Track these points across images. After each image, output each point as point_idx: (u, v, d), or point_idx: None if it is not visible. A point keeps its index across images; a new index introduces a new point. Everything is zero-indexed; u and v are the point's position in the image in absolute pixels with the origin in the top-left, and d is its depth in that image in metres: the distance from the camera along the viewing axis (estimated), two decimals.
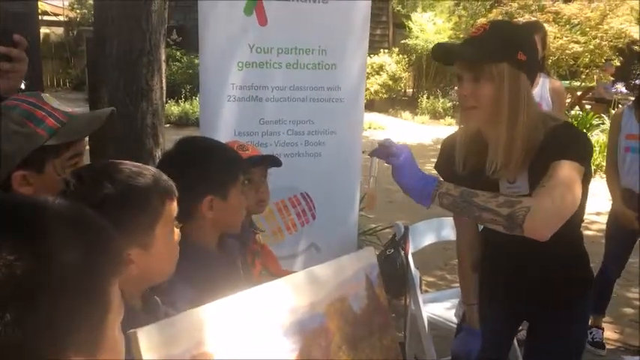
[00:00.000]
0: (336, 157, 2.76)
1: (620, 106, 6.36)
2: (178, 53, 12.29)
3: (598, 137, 7.91)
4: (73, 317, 0.54)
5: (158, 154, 3.20)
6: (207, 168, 1.39)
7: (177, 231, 1.08)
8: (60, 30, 16.90)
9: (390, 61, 12.68)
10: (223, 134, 2.44)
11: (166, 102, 4.18)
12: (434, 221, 2.82)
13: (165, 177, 1.07)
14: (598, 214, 5.31)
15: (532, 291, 1.66)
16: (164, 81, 3.27)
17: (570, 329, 1.69)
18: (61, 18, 16.37)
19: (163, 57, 3.26)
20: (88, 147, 2.72)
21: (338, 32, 2.66)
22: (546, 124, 1.52)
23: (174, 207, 1.06)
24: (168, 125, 9.35)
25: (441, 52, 1.52)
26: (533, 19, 8.52)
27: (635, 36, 9.05)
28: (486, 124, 1.51)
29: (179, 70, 11.92)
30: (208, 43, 2.45)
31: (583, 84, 10.26)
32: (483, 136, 1.57)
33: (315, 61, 2.64)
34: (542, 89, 3.10)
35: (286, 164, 2.71)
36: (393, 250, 2.50)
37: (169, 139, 2.30)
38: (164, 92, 3.29)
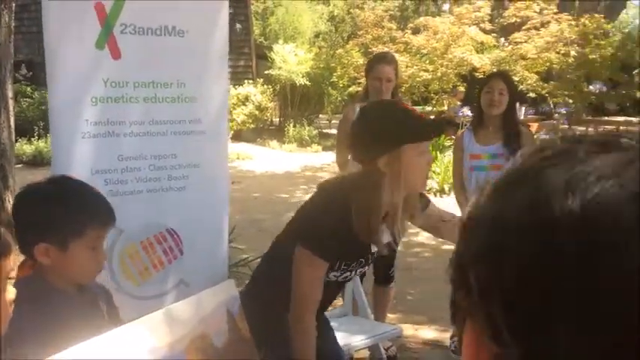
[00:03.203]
0: (202, 190, 2.73)
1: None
2: (29, 89, 11.53)
3: (450, 157, 8.53)
4: None
5: (8, 197, 2.97)
6: (41, 215, 1.33)
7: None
8: None
9: (255, 91, 12.81)
10: (78, 173, 2.32)
11: (17, 141, 3.89)
12: None
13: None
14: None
15: None
16: (12, 119, 3.05)
17: None
18: None
19: (10, 93, 3.05)
20: None
21: (196, 65, 2.65)
22: None
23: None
24: (20, 165, 8.68)
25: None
26: (386, 49, 9.07)
27: (476, 64, 9.93)
28: None
29: (30, 107, 11.17)
30: (57, 78, 2.33)
31: (434, 109, 11.03)
32: None
33: (174, 95, 2.61)
34: None
35: (150, 200, 2.65)
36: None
37: (23, 179, 2.14)
38: (12, 131, 3.07)
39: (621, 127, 9.53)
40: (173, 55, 2.57)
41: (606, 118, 14.33)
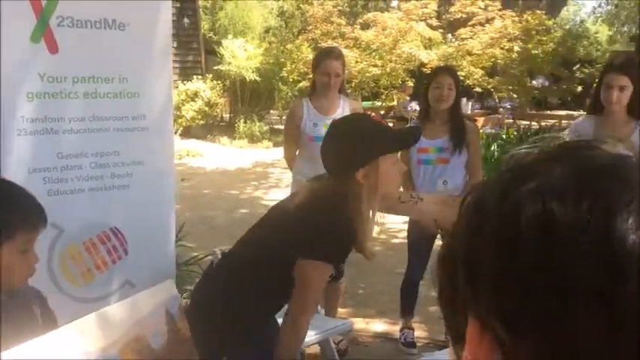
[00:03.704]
0: (147, 187, 2.66)
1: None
2: None
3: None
4: None
5: None
6: None
7: None
8: None
9: (204, 87, 12.63)
10: (15, 172, 2.23)
11: None
12: None
13: None
14: (405, 222, 5.77)
15: None
16: None
17: None
18: None
19: None
20: None
21: (138, 59, 2.58)
22: None
23: None
24: None
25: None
26: (336, 44, 9.10)
27: (424, 59, 10.08)
28: None
29: None
30: None
31: (384, 104, 11.15)
32: None
33: (115, 90, 2.54)
34: (344, 110, 3.31)
35: (92, 199, 2.57)
36: (203, 279, 2.47)
37: None
38: None
39: (563, 121, 9.86)
40: (114, 49, 2.50)
41: (549, 112, 14.79)
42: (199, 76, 12.98)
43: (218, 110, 13.29)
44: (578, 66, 14.25)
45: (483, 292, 0.40)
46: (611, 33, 25.52)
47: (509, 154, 0.46)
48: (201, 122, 12.67)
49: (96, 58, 2.46)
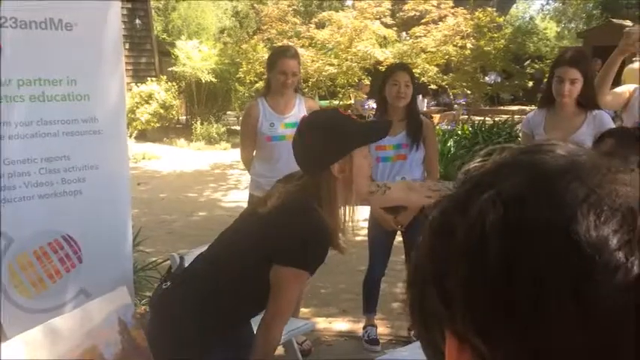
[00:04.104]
0: (101, 192, 2.59)
1: None
2: None
3: None
4: None
5: None
6: None
7: None
8: None
9: (158, 89, 12.41)
10: None
11: None
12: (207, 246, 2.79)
13: None
14: (365, 220, 5.79)
15: None
16: None
17: None
18: None
19: None
20: None
21: (87, 60, 2.50)
22: None
23: None
24: None
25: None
26: (291, 44, 9.07)
27: (379, 57, 10.15)
28: None
29: None
30: None
31: (341, 102, 11.18)
32: None
33: (64, 93, 2.46)
34: (300, 109, 3.28)
35: (42, 206, 2.47)
36: (169, 283, 2.41)
37: None
38: None
39: (515, 116, 10.08)
40: (61, 50, 2.42)
41: (501, 107, 15.10)
42: (153, 78, 12.74)
43: (174, 112, 13.08)
44: (528, 62, 14.58)
45: (456, 307, 0.40)
46: (558, 29, 26.27)
47: (464, 169, 0.46)
48: (157, 125, 12.45)
49: (42, 59, 2.38)
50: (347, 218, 1.84)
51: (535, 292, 0.36)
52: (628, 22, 14.58)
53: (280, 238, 1.73)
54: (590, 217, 0.37)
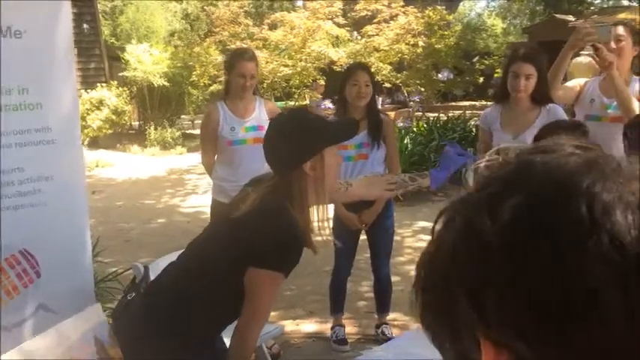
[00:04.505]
0: (57, 203, 2.51)
1: None
2: None
3: None
4: None
5: None
6: None
7: None
8: None
9: (109, 94, 12.13)
10: None
11: None
12: (173, 255, 2.73)
13: None
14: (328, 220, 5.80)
15: None
16: None
17: None
18: None
19: None
20: None
21: (39, 68, 2.42)
22: None
23: None
24: None
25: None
26: (245, 46, 9.01)
27: (333, 57, 10.18)
28: None
29: None
30: None
31: (297, 103, 11.16)
32: None
33: (15, 102, 2.37)
34: (260, 111, 3.26)
35: None
36: (134, 294, 2.35)
37: None
38: None
39: (467, 112, 10.28)
40: (11, 58, 2.33)
41: (453, 103, 15.37)
42: (103, 84, 12.45)
43: (126, 118, 12.80)
44: (477, 58, 14.89)
45: (491, 313, 0.40)
46: (504, 26, 26.91)
47: (473, 168, 0.46)
48: (109, 131, 12.17)
49: None
50: (320, 217, 1.85)
51: (583, 290, 0.36)
52: (570, 17, 15.09)
53: (254, 241, 1.71)
54: (629, 216, 0.37)
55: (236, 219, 1.75)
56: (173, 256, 2.75)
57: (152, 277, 2.46)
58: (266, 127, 3.27)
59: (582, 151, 0.42)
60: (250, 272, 1.72)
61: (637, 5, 13.09)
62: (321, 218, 1.86)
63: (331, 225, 1.92)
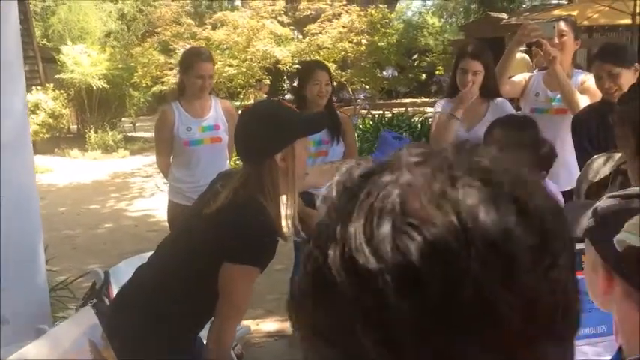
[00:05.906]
0: (9, 212, 2.42)
1: None
2: None
3: None
4: None
5: None
6: None
7: None
8: None
9: (46, 98, 11.71)
10: None
11: None
12: (135, 259, 2.68)
13: None
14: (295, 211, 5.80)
15: None
16: None
17: None
18: None
19: None
20: None
21: None
22: None
23: None
24: None
25: None
26: (188, 46, 8.87)
27: (278, 56, 10.17)
28: None
29: None
30: None
31: (242, 102, 11.08)
32: None
33: None
34: (216, 111, 3.23)
35: None
36: (96, 300, 2.29)
37: None
38: None
39: (409, 108, 10.50)
40: None
41: (395, 100, 15.63)
42: (39, 87, 12.00)
43: (64, 122, 12.39)
44: (416, 55, 15.19)
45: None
46: (440, 24, 27.55)
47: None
48: (47, 136, 11.75)
49: None
50: (289, 206, 1.86)
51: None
52: (503, 15, 15.61)
53: (228, 236, 1.71)
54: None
55: (209, 215, 1.74)
56: (135, 260, 2.69)
57: (113, 281, 2.41)
58: (222, 126, 3.28)
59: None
60: (224, 267, 1.71)
61: (565, 3, 13.65)
62: (291, 208, 1.88)
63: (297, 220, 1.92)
